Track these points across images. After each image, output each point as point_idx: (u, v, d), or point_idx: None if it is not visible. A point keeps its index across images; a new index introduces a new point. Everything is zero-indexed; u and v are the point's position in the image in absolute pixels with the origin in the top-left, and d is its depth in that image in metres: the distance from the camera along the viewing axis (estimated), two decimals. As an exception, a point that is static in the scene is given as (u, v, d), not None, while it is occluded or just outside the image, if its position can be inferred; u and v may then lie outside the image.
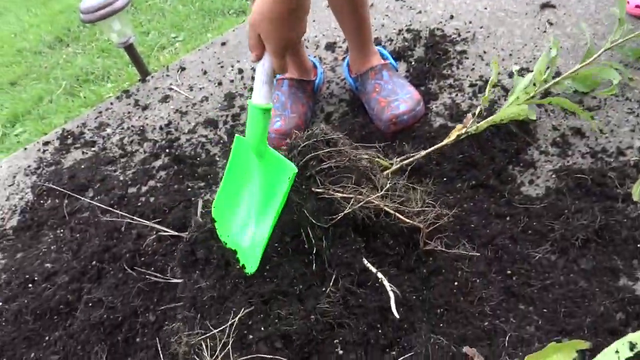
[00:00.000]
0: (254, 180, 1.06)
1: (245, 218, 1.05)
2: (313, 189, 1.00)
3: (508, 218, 1.07)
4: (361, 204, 0.96)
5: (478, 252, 1.01)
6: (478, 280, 0.97)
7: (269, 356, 0.86)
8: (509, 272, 0.97)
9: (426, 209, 1.01)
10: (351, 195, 0.97)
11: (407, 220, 0.98)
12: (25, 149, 1.75)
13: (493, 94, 1.37)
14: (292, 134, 1.21)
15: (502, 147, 1.19)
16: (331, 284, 0.92)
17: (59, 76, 2.53)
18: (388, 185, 1.01)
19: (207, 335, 0.90)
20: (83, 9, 1.75)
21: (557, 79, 1.26)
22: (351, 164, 1.06)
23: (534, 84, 1.22)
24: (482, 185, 1.13)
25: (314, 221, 0.96)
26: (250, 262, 1.00)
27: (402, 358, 0.86)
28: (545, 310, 0.91)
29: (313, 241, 0.96)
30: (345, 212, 0.95)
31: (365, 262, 0.95)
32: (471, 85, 1.42)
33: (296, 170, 0.96)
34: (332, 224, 0.96)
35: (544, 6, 1.59)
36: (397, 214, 0.98)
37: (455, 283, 0.96)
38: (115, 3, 1.73)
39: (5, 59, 2.95)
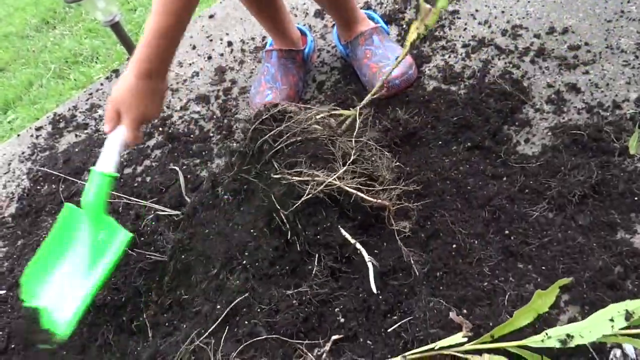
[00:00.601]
0: (79, 246, 1.06)
1: (64, 281, 1.05)
2: (272, 175, 0.98)
3: (504, 178, 1.06)
4: (321, 187, 0.92)
5: (476, 213, 1.01)
6: (476, 242, 0.97)
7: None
8: (506, 232, 0.97)
9: (394, 187, 0.97)
10: (308, 179, 0.93)
11: (371, 200, 0.94)
12: (18, 135, 1.74)
13: (485, 53, 1.34)
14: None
15: (497, 108, 1.17)
16: (315, 263, 0.92)
17: (47, 59, 2.49)
18: (353, 154, 0.97)
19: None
20: (65, -12, 1.71)
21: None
22: (305, 136, 1.01)
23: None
24: (477, 146, 1.12)
25: (279, 207, 0.94)
26: (64, 323, 0.99)
27: (401, 322, 0.86)
28: (543, 267, 0.92)
29: (287, 225, 0.94)
30: (305, 198, 0.92)
31: (343, 232, 0.94)
32: (464, 46, 1.40)
33: (131, 236, 1.00)
34: (302, 206, 0.93)
35: (536, -41, 1.54)
36: (360, 194, 0.93)
37: (454, 245, 0.96)
38: (97, -20, 1.69)
39: (-8, 45, 2.91)
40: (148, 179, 1.38)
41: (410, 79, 1.32)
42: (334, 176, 0.93)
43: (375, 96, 1.13)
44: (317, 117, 1.03)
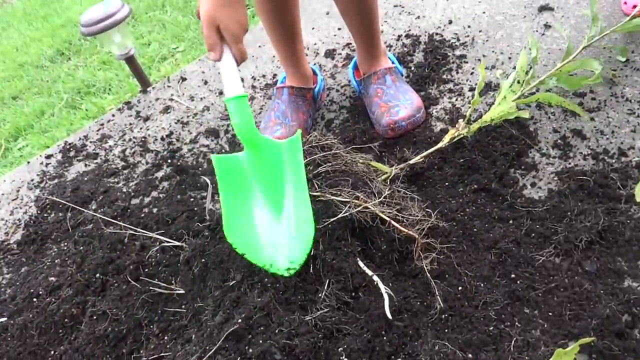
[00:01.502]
0: (256, 182, 1.05)
1: (269, 219, 1.02)
2: (310, 192, 1.00)
3: (511, 221, 1.06)
4: (359, 208, 0.96)
5: (482, 256, 1.01)
6: (482, 285, 0.96)
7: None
8: (513, 275, 0.97)
9: (423, 218, 1.01)
10: (348, 199, 0.98)
11: (403, 229, 0.98)
12: (28, 162, 1.76)
13: (492, 97, 1.37)
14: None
15: (504, 151, 1.19)
16: (325, 289, 0.92)
17: (60, 89, 2.54)
18: (386, 193, 1.01)
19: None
20: (83, 22, 1.76)
21: (542, 78, 1.25)
22: (347, 168, 1.08)
23: (519, 82, 1.21)
24: (484, 189, 1.13)
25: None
26: (296, 254, 0.96)
27: (407, 365, 0.85)
28: (550, 313, 0.91)
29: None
30: (343, 214, 0.96)
31: (361, 264, 0.95)
32: (471, 89, 1.42)
33: (300, 133, 1.00)
34: (329, 227, 0.96)
35: (542, 9, 1.59)
36: (393, 222, 0.98)
37: (460, 288, 0.96)
38: (115, 15, 1.74)
39: (7, 73, 2.97)
40: (155, 210, 1.38)
41: (417, 122, 1.34)
42: (374, 202, 0.98)
43: (388, 137, 1.16)
44: (358, 159, 1.08)
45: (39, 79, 2.76)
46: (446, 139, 1.22)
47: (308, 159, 1.07)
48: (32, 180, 1.67)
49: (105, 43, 1.89)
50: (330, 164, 1.07)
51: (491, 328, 0.90)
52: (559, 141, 1.19)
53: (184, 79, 1.88)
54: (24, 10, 4.57)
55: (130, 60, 1.91)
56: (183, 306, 1.07)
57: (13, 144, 2.27)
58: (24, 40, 3.43)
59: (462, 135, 1.21)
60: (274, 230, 1.02)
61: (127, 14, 1.78)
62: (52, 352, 1.11)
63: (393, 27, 1.75)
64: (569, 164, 1.14)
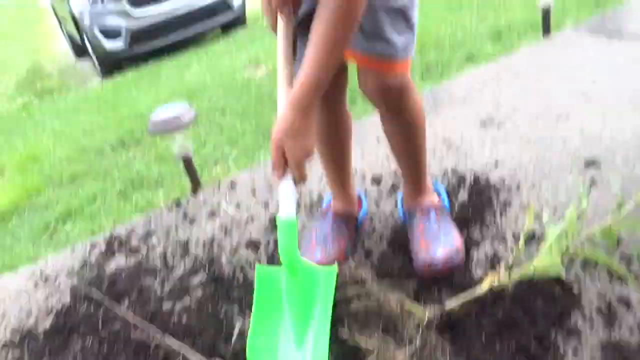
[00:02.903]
0: (288, 304, 1.07)
1: (292, 348, 1.04)
2: (339, 334, 0.99)
3: (550, 390, 1.01)
4: None
5: None
6: None
7: None
8: None
9: None
10: (375, 350, 0.95)
11: None
12: (73, 248, 1.82)
13: (536, 247, 1.35)
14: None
15: (546, 310, 1.15)
16: None
17: (115, 177, 2.67)
18: (418, 342, 0.98)
19: None
20: (152, 121, 1.90)
21: (588, 232, 1.23)
22: (380, 308, 1.06)
23: (565, 236, 1.20)
24: (522, 349, 1.08)
25: None
26: None
27: None
28: None
29: None
30: None
31: None
32: (514, 237, 1.42)
33: (335, 269, 1.01)
34: None
35: (589, 164, 1.61)
36: None
37: None
38: (182, 118, 1.87)
39: (70, 155, 3.17)
40: (185, 318, 1.38)
41: (455, 264, 1.33)
42: (404, 355, 0.95)
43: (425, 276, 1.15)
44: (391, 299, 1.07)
45: (98, 164, 2.93)
46: (485, 286, 1.20)
47: (340, 294, 1.06)
48: (73, 266, 1.72)
49: (167, 141, 2.01)
50: (362, 302, 1.06)
51: None
52: (603, 307, 1.15)
53: (233, 186, 1.95)
54: (96, 97, 4.97)
55: (186, 160, 2.02)
56: None
57: (62, 225, 2.36)
58: (91, 125, 3.69)
59: (501, 285, 1.18)
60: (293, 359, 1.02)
61: (192, 119, 1.91)
62: None
63: (440, 162, 1.80)
64: (614, 335, 1.09)
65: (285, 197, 1.08)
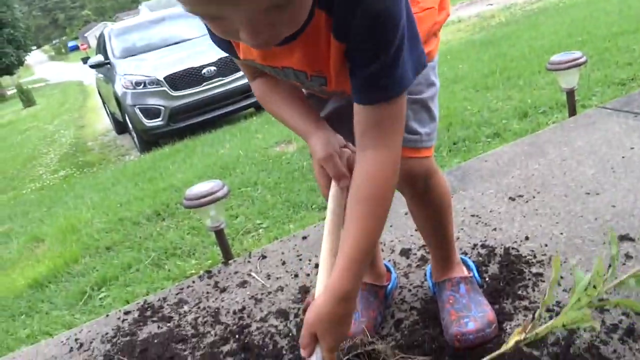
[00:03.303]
0: None
1: None
2: None
3: None
4: None
5: None
6: None
7: None
8: None
9: None
10: None
11: None
12: (107, 315, 1.86)
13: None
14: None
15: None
16: None
17: (150, 247, 2.75)
18: None
19: None
20: (187, 196, 1.98)
21: (620, 279, 1.20)
22: None
23: (594, 286, 1.18)
24: None
25: None
26: None
27: None
28: None
29: None
30: None
31: None
32: (548, 310, 1.40)
33: None
34: None
35: (622, 238, 1.60)
36: None
37: None
38: (216, 193, 1.95)
39: (108, 225, 3.28)
40: (214, 386, 1.38)
41: (487, 337, 1.31)
42: None
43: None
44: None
45: (133, 234, 3.02)
46: (511, 342, 1.16)
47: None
48: (106, 333, 1.75)
49: (201, 215, 2.08)
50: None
51: None
52: (644, 384, 1.12)
53: (264, 257, 1.99)
54: (134, 171, 5.19)
55: (219, 232, 2.08)
56: None
57: (96, 292, 2.41)
58: (128, 197, 3.83)
59: (528, 339, 1.14)
60: None
61: (226, 194, 1.99)
62: None
63: (469, 235, 1.81)
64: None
65: None
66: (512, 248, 1.68)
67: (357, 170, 1.00)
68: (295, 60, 0.97)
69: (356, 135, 0.99)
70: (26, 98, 20.24)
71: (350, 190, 1.01)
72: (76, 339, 1.76)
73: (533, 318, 1.19)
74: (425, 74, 1.16)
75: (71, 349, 1.71)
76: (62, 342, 1.77)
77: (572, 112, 2.63)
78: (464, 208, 2.00)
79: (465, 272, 1.49)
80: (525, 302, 1.45)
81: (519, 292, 1.49)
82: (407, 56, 0.92)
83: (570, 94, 2.58)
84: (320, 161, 1.07)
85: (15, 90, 22.79)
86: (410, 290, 1.61)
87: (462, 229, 1.86)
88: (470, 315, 1.35)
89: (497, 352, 1.16)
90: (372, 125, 0.97)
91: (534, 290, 1.49)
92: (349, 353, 1.06)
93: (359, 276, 0.98)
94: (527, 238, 1.72)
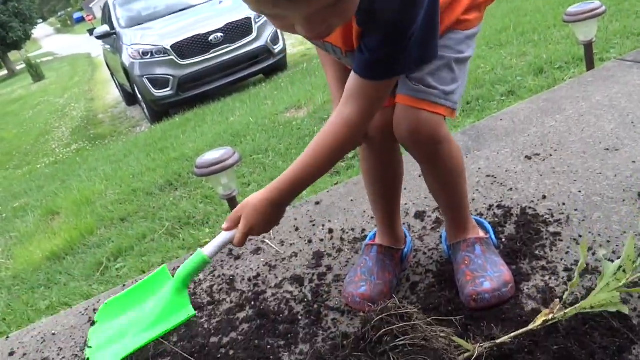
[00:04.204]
0: (152, 303, 1.27)
1: (125, 328, 1.26)
2: None
3: None
4: None
5: None
6: None
7: None
8: None
9: None
10: None
11: None
12: (124, 285, 1.87)
13: (590, 280, 1.31)
14: (377, 300, 1.30)
15: (603, 344, 1.10)
16: None
17: (163, 217, 2.76)
18: None
19: None
20: (198, 164, 1.96)
21: None
22: (427, 343, 1.05)
23: (624, 271, 1.15)
24: (580, 385, 1.04)
25: None
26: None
27: None
28: None
29: None
30: None
31: None
32: (566, 270, 1.37)
33: (193, 314, 1.20)
34: None
35: (643, 195, 1.56)
36: None
37: None
38: (227, 161, 1.94)
39: (121, 196, 3.30)
40: (231, 352, 1.39)
41: (503, 297, 1.30)
42: None
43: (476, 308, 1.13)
44: (439, 333, 1.07)
45: (147, 205, 3.03)
46: (539, 321, 1.16)
47: (386, 329, 1.05)
48: (123, 303, 1.76)
49: (213, 183, 2.07)
50: (409, 337, 1.05)
51: None
52: (667, 341, 1.10)
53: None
54: (145, 141, 5.18)
55: (231, 200, 2.07)
56: None
57: (113, 263, 2.44)
58: (141, 168, 3.84)
59: (556, 320, 1.15)
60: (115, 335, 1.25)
61: (237, 161, 1.97)
62: None
63: (485, 196, 1.78)
64: (681, 370, 1.04)
65: (216, 243, 1.20)
66: (529, 208, 1.65)
67: (334, 115, 1.14)
68: (334, 37, 1.12)
69: (344, 91, 1.13)
70: (35, 73, 20.26)
71: (324, 127, 1.15)
72: (94, 309, 1.78)
73: (561, 299, 1.16)
74: (456, 38, 1.23)
75: (89, 319, 1.73)
76: (80, 312, 1.79)
77: (590, 65, 2.54)
78: (479, 168, 1.96)
79: (481, 234, 1.46)
80: (543, 262, 1.42)
81: (537, 252, 1.46)
82: (414, 50, 1.03)
83: (588, 46, 2.49)
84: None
85: (24, 66, 22.79)
86: (425, 254, 1.59)
87: (477, 190, 1.83)
88: (486, 275, 1.33)
89: (526, 329, 1.15)
90: (357, 91, 1.10)
91: (551, 250, 1.46)
92: (382, 313, 1.06)
93: (297, 192, 1.19)
94: (544, 197, 1.68)
